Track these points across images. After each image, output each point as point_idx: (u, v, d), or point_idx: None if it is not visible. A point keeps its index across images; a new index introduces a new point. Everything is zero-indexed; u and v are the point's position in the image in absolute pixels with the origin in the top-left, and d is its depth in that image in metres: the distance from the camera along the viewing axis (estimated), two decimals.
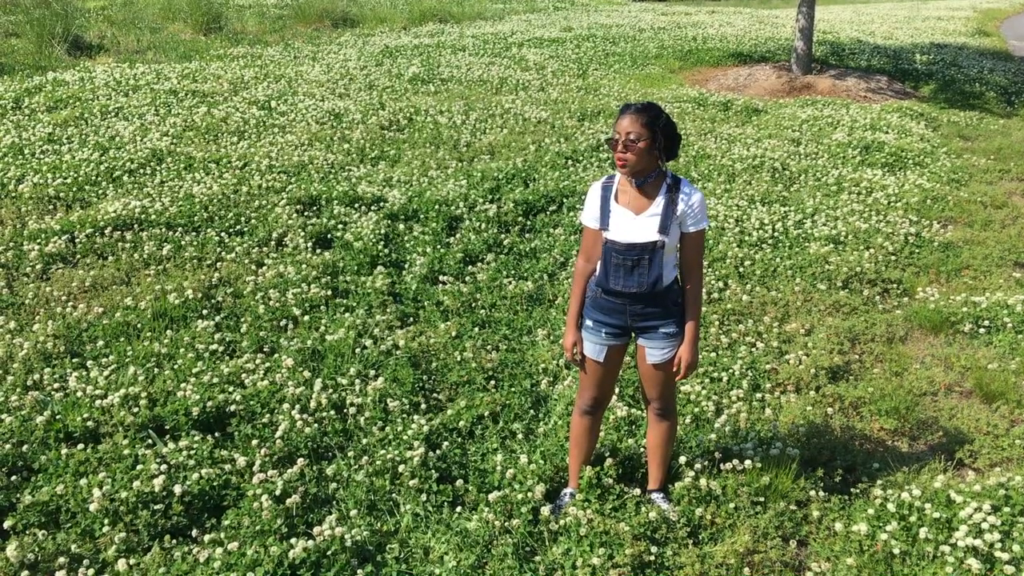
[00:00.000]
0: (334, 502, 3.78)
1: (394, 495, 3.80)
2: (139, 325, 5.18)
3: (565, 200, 7.49)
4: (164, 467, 3.77)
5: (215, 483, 3.76)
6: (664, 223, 3.24)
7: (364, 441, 4.17)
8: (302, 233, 6.50)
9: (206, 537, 3.48)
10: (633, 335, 3.50)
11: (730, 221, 7.12)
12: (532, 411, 4.52)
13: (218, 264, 6.02)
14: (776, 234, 6.95)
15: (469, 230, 6.81)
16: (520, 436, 4.26)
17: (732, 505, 3.73)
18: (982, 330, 5.54)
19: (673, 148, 3.28)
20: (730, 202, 7.60)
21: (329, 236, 6.63)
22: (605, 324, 3.42)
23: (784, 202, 7.81)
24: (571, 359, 3.56)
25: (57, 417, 4.16)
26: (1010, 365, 5.07)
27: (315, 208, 7.12)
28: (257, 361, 4.80)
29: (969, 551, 3.36)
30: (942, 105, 12.93)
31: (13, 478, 3.78)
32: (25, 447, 3.95)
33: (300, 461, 3.90)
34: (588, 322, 3.47)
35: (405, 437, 4.14)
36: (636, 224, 3.26)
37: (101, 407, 4.23)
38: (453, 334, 5.24)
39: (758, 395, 4.69)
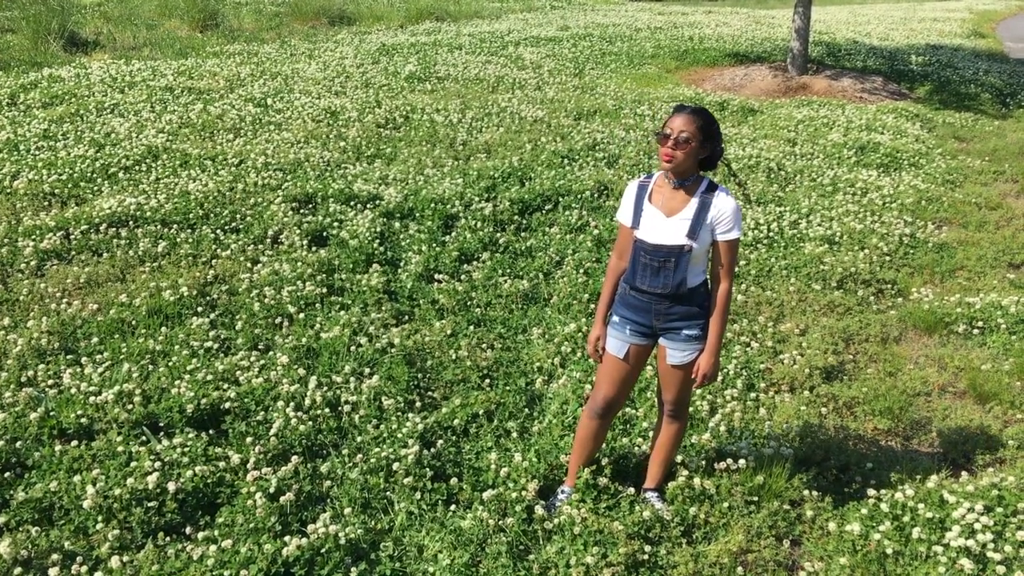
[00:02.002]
0: (328, 500, 3.78)
1: (388, 493, 3.80)
2: (134, 322, 5.17)
3: (561, 199, 7.49)
4: (158, 464, 3.77)
5: (209, 480, 3.76)
6: (694, 228, 3.22)
7: (359, 439, 4.17)
8: (298, 231, 6.49)
9: (200, 534, 3.48)
10: (655, 340, 3.48)
11: None
12: (527, 410, 4.52)
13: (213, 261, 6.01)
14: (771, 234, 6.96)
15: (465, 228, 6.80)
16: (515, 435, 4.26)
17: (726, 504, 3.74)
18: (976, 331, 5.56)
19: (715, 158, 3.30)
20: None
21: (325, 234, 6.62)
22: (631, 321, 3.42)
23: (779, 202, 7.83)
24: (592, 354, 3.56)
25: (51, 414, 4.15)
26: (1003, 366, 5.08)
27: (311, 206, 7.11)
28: (252, 358, 4.80)
29: (962, 551, 3.38)
30: (937, 106, 12.96)
31: (6, 474, 3.77)
32: (19, 443, 3.94)
33: (294, 459, 3.90)
34: (615, 318, 3.48)
35: (400, 435, 4.14)
36: (666, 226, 3.27)
37: (95, 404, 4.23)
38: (448, 332, 5.25)
39: (752, 395, 4.70)
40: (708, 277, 3.40)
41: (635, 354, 3.47)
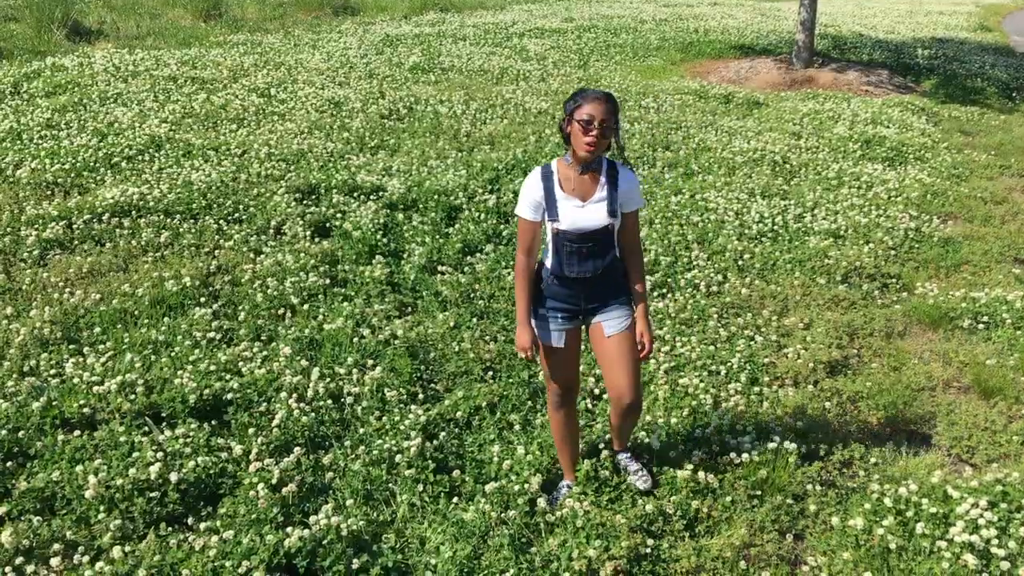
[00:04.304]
0: (330, 491, 3.77)
1: (391, 485, 3.80)
2: (136, 312, 5.17)
3: None
4: (160, 455, 3.76)
5: (211, 471, 3.75)
6: (612, 207, 3.28)
7: (361, 431, 4.16)
8: (301, 222, 6.48)
9: (202, 525, 3.48)
10: (582, 319, 3.48)
11: (730, 214, 7.11)
12: (529, 402, 4.51)
13: (216, 252, 6.00)
14: (776, 228, 6.94)
15: (468, 220, 6.78)
16: (517, 427, 4.25)
17: (729, 498, 3.73)
18: (981, 326, 5.53)
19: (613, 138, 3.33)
20: (730, 195, 7.58)
21: (328, 225, 6.60)
22: (559, 310, 3.42)
23: (784, 196, 7.80)
24: (529, 357, 3.44)
25: (53, 403, 4.15)
26: (1008, 361, 5.06)
27: (314, 197, 7.09)
28: (254, 349, 4.79)
29: (965, 547, 3.36)
30: (943, 100, 12.89)
31: (9, 464, 3.77)
32: (21, 433, 3.94)
33: (297, 450, 3.89)
34: (541, 311, 3.44)
35: (402, 427, 4.13)
36: (585, 211, 3.28)
37: (97, 394, 4.22)
38: (451, 324, 5.23)
39: (756, 389, 4.69)
40: (618, 250, 3.41)
41: (572, 338, 3.48)
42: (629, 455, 3.91)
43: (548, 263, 3.39)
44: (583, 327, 3.53)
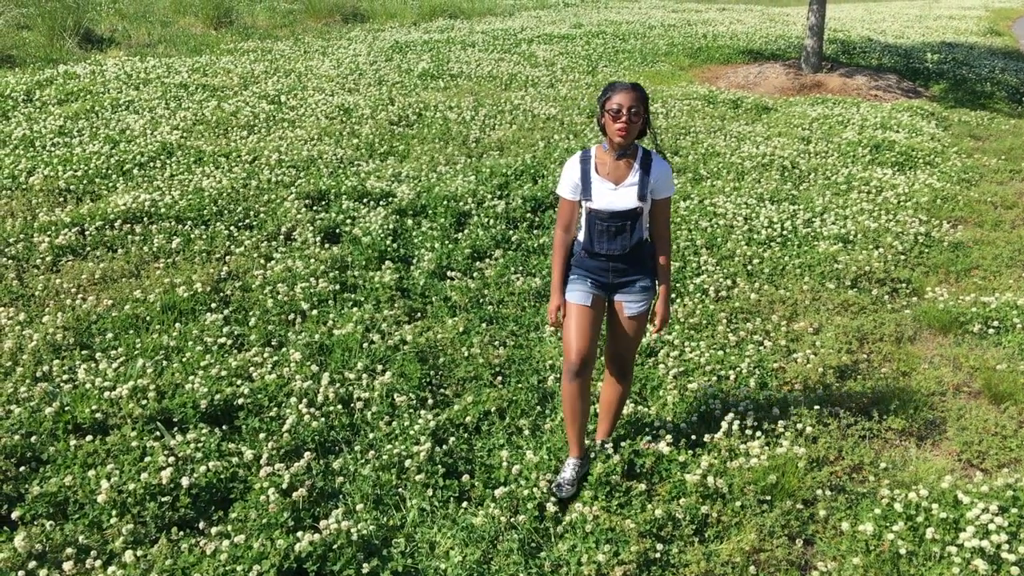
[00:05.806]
0: (340, 496, 3.79)
1: (400, 490, 3.81)
2: (148, 318, 5.20)
3: None
4: (172, 459, 3.78)
5: (222, 476, 3.77)
6: (642, 191, 3.53)
7: (371, 435, 4.18)
8: (311, 227, 6.51)
9: (213, 529, 3.50)
10: (608, 293, 3.69)
11: (739, 219, 7.11)
12: (539, 407, 4.52)
13: (227, 258, 6.04)
14: (785, 232, 6.93)
15: (477, 226, 6.80)
16: (527, 432, 4.26)
17: (738, 503, 3.73)
18: (991, 330, 5.51)
19: (646, 126, 3.57)
20: (739, 200, 7.58)
21: (338, 231, 6.63)
22: (590, 276, 3.65)
23: (793, 200, 7.79)
24: (554, 322, 3.70)
25: (66, 409, 4.18)
26: (1019, 366, 5.04)
27: (324, 203, 7.13)
28: (265, 355, 4.81)
29: (976, 552, 3.36)
30: (952, 104, 12.86)
31: (22, 469, 3.80)
32: (34, 438, 3.97)
33: (307, 455, 3.91)
34: (574, 276, 3.68)
35: (412, 432, 4.14)
36: (617, 194, 3.54)
37: (109, 399, 4.25)
38: (460, 330, 5.25)
39: (765, 393, 4.68)
40: (647, 234, 3.67)
41: (597, 303, 3.68)
42: (611, 445, 4.01)
43: (581, 239, 3.64)
44: (608, 303, 3.72)
